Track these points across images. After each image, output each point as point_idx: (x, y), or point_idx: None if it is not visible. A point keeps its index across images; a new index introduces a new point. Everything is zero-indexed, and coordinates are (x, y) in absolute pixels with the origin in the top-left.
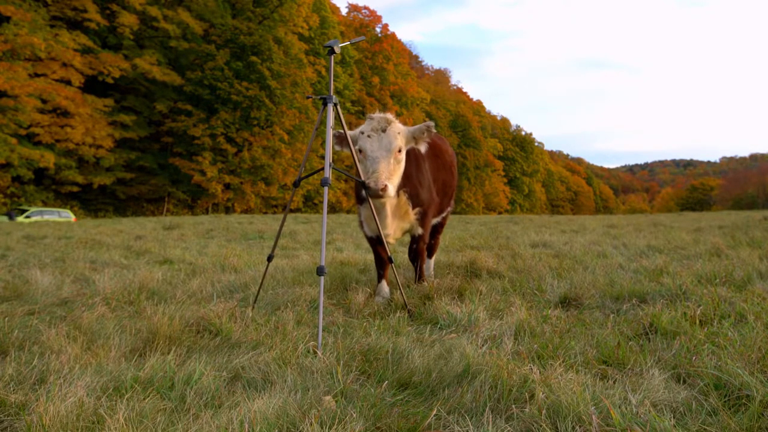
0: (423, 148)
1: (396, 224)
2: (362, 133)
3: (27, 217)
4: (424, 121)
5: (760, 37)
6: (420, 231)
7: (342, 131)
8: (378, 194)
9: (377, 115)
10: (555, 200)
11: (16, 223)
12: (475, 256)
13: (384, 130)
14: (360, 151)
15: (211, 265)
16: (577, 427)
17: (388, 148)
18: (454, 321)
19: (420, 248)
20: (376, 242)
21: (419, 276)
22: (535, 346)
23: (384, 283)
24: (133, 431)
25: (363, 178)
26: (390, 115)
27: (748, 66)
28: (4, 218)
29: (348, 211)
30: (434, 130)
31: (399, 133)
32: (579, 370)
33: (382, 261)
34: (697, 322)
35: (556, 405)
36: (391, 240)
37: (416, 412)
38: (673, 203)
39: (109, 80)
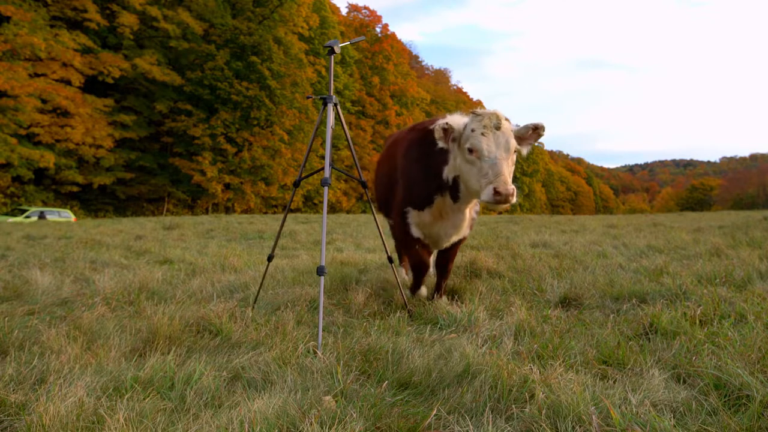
0: (526, 151)
1: (457, 231)
2: (473, 130)
3: (27, 217)
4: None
5: (760, 37)
6: (465, 236)
7: (447, 125)
8: (507, 200)
9: (485, 111)
10: (555, 200)
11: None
12: (475, 256)
13: (498, 128)
14: (470, 150)
15: (211, 265)
16: (577, 427)
17: (507, 148)
18: (454, 321)
19: (453, 257)
20: (423, 246)
21: (441, 289)
22: (535, 346)
23: (425, 291)
24: (133, 431)
25: (472, 181)
26: (499, 111)
27: (749, 66)
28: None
29: (348, 211)
30: (543, 133)
31: (512, 131)
32: (579, 370)
33: (425, 267)
34: (697, 322)
35: (556, 405)
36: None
37: (416, 412)
38: (673, 203)
39: (109, 80)
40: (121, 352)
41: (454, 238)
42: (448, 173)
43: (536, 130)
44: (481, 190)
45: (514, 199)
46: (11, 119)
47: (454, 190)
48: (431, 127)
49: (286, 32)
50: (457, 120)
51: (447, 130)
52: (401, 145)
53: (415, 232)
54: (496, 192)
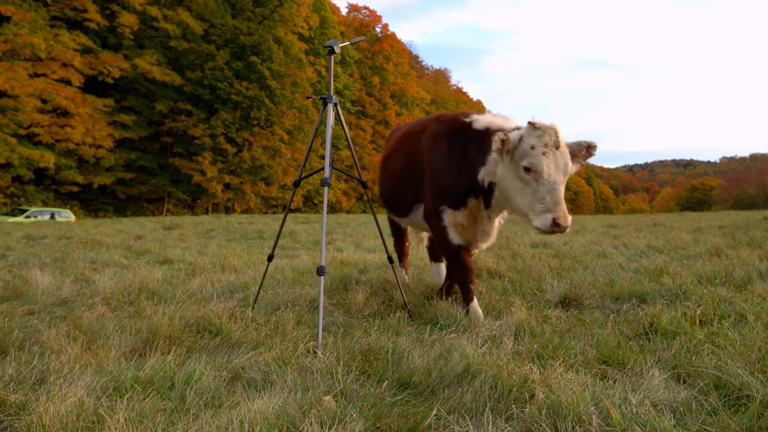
0: (574, 169)
1: (486, 238)
2: (533, 147)
3: (27, 217)
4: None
5: (761, 37)
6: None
7: (506, 137)
8: (563, 232)
9: (543, 124)
10: None
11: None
12: (474, 255)
13: (558, 146)
14: (527, 169)
15: (211, 265)
16: (577, 427)
17: (566, 171)
18: (454, 321)
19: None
20: (464, 250)
21: (449, 293)
22: (535, 346)
23: (479, 310)
24: (133, 431)
25: (522, 201)
26: (556, 125)
27: (749, 66)
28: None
29: (348, 211)
30: (595, 153)
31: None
32: (579, 370)
33: (471, 272)
34: (697, 322)
35: (556, 405)
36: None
37: (416, 412)
38: (673, 203)
39: (109, 80)
40: (121, 352)
41: (483, 246)
42: (484, 176)
43: (589, 149)
44: (534, 215)
45: (569, 230)
46: (11, 119)
47: (488, 196)
48: (467, 120)
49: (286, 32)
50: (498, 122)
51: (505, 142)
52: (426, 136)
53: (455, 237)
54: (556, 223)
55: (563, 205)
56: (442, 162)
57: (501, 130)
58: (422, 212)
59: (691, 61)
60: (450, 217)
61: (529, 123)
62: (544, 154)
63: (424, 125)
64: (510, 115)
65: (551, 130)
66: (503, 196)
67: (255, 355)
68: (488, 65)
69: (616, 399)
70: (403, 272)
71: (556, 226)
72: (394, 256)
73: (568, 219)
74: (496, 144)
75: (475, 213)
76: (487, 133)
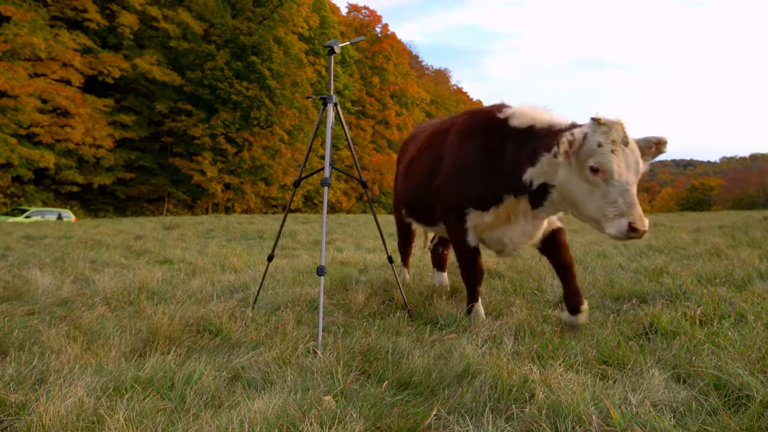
0: (644, 168)
1: (526, 239)
2: (600, 145)
3: (27, 217)
4: (425, 120)
5: (761, 37)
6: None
7: (573, 137)
8: (641, 237)
9: (608, 119)
10: None
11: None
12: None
13: (627, 143)
14: (594, 170)
15: (211, 265)
16: (577, 427)
17: (637, 170)
18: (454, 321)
19: (565, 246)
20: (478, 252)
21: (579, 295)
22: (535, 346)
23: (482, 310)
24: (133, 431)
25: (591, 206)
26: (623, 120)
27: (749, 66)
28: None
29: (348, 211)
30: (665, 149)
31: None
32: (579, 370)
33: (481, 273)
34: (697, 322)
35: (556, 405)
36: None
37: (416, 412)
38: (673, 203)
39: (109, 80)
40: (121, 352)
41: (521, 247)
42: (533, 177)
43: (658, 145)
44: (606, 220)
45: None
46: (11, 119)
47: (539, 197)
48: (502, 116)
49: (286, 32)
50: (540, 115)
51: (572, 143)
52: (454, 132)
53: (472, 239)
54: (632, 228)
55: (639, 208)
56: (471, 160)
57: (550, 127)
58: None
59: (691, 61)
60: (475, 219)
61: (593, 119)
62: (612, 152)
63: (453, 121)
64: (545, 106)
65: (618, 126)
66: (566, 200)
67: (255, 355)
68: (488, 65)
69: (616, 399)
70: (405, 271)
71: (632, 232)
72: (395, 255)
73: (646, 222)
74: (563, 147)
75: (510, 211)
76: (532, 131)
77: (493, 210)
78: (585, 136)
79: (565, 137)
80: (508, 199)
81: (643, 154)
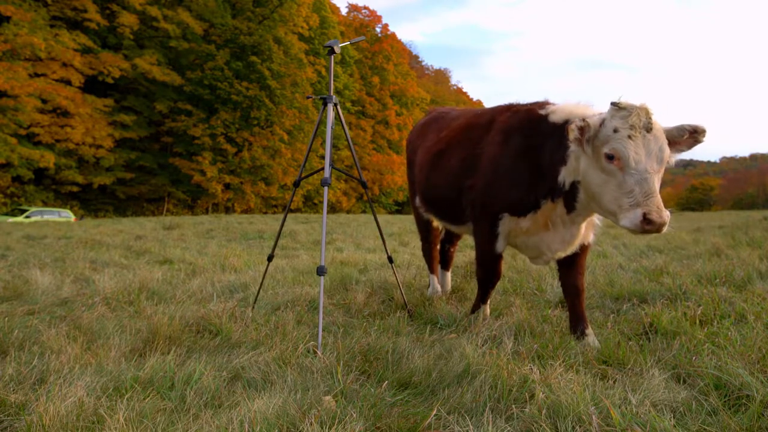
0: (675, 160)
1: (566, 247)
2: (616, 130)
3: (27, 217)
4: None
5: (761, 37)
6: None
7: (585, 122)
8: (659, 230)
9: (629, 103)
10: None
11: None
12: (475, 255)
13: (649, 129)
14: (610, 157)
15: (211, 265)
16: (577, 427)
17: (660, 158)
18: (454, 321)
19: (582, 269)
20: (501, 258)
21: (584, 316)
22: (535, 346)
23: (488, 309)
24: (133, 431)
25: (607, 197)
26: (647, 105)
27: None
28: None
29: (348, 211)
30: (703, 139)
31: (663, 133)
32: (579, 370)
33: (497, 277)
34: (697, 322)
35: (556, 405)
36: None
37: (416, 412)
38: (673, 203)
39: (109, 80)
40: (121, 352)
41: (560, 255)
42: (565, 176)
43: (694, 134)
44: (620, 212)
45: (666, 228)
46: (11, 119)
47: (571, 199)
48: (543, 112)
49: (286, 32)
50: (581, 111)
51: (584, 129)
52: (496, 130)
53: (501, 245)
54: (647, 219)
55: (658, 198)
56: (513, 162)
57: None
58: None
59: (691, 61)
60: (509, 225)
61: (613, 103)
62: (629, 137)
63: (493, 116)
64: (587, 102)
65: (641, 110)
66: (587, 193)
67: (255, 355)
68: (488, 65)
69: (616, 399)
70: (435, 280)
71: (647, 224)
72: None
73: (664, 214)
74: (573, 132)
75: (547, 216)
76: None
77: (531, 215)
78: (602, 122)
79: (575, 122)
80: (546, 203)
81: (676, 143)
